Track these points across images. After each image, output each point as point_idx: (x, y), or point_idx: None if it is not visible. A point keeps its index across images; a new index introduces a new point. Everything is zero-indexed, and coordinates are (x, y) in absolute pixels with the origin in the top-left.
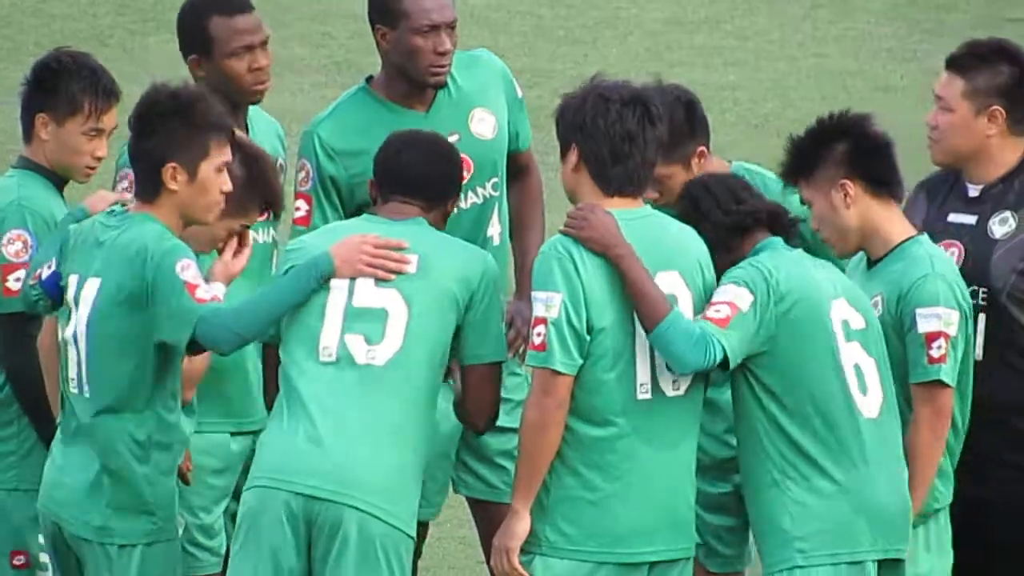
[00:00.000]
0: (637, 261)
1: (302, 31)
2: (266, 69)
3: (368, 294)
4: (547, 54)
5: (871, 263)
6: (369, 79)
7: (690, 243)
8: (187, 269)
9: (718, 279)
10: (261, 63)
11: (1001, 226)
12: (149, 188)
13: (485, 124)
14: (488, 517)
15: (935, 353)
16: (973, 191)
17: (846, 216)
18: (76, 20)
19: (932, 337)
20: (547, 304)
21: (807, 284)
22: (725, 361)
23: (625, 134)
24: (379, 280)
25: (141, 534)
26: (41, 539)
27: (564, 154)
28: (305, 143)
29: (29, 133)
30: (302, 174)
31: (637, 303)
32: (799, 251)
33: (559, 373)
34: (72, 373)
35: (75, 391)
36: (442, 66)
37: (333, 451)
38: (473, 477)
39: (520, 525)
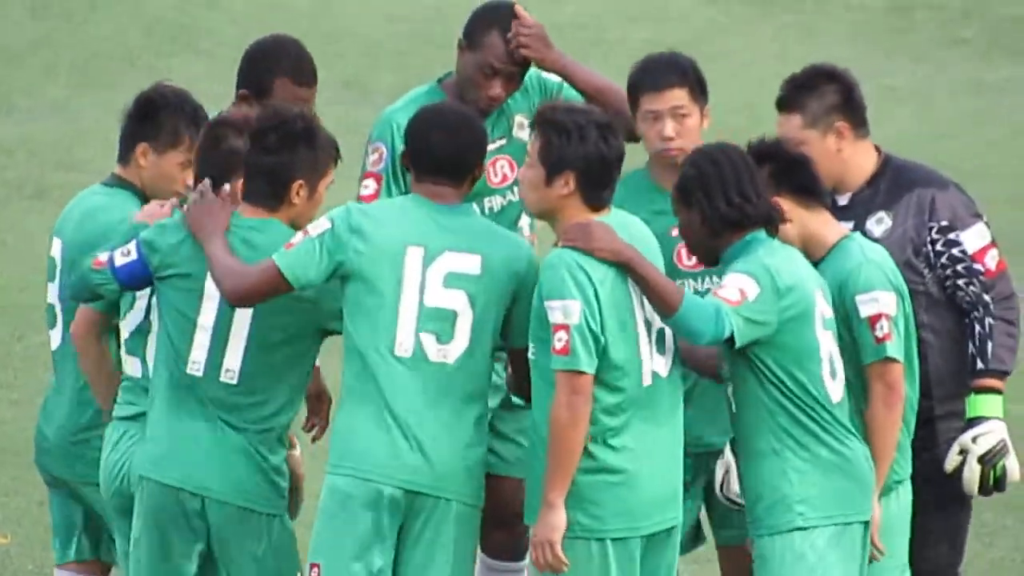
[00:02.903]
0: (643, 258)
1: (314, 51)
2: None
3: (438, 295)
4: (535, 73)
5: (812, 265)
6: (441, 79)
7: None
8: None
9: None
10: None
11: (878, 225)
12: (274, 198)
13: (524, 129)
14: (499, 489)
15: (879, 333)
16: (843, 200)
17: (784, 230)
18: (108, 41)
19: (874, 319)
20: (565, 312)
21: (800, 279)
22: (731, 339)
23: (619, 157)
24: (447, 282)
25: (282, 506)
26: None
27: (553, 178)
28: (382, 129)
29: (127, 157)
30: (375, 156)
31: (651, 295)
32: (782, 244)
33: (584, 373)
34: (197, 356)
35: (198, 373)
36: (490, 106)
37: (423, 446)
38: (489, 453)
39: (559, 518)
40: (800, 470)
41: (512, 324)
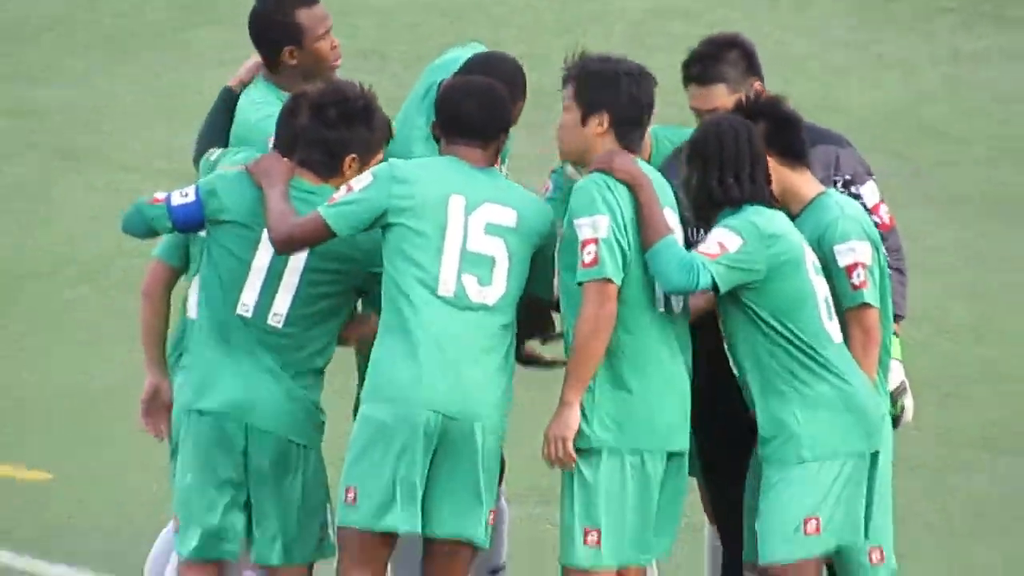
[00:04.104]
0: (653, 190)
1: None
2: (339, 47)
3: (480, 240)
4: (542, 43)
5: (792, 219)
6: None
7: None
8: None
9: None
10: (336, 42)
11: None
12: (328, 169)
13: None
14: None
15: (856, 281)
16: None
17: None
18: (127, 16)
19: (851, 268)
20: (594, 226)
21: (787, 230)
22: (716, 288)
23: (648, 103)
24: (487, 230)
25: (319, 440)
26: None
27: (587, 118)
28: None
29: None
30: None
31: (642, 225)
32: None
33: (611, 282)
34: (247, 299)
35: (247, 314)
36: None
37: (460, 376)
38: None
39: (573, 415)
40: (804, 407)
41: (531, 275)
